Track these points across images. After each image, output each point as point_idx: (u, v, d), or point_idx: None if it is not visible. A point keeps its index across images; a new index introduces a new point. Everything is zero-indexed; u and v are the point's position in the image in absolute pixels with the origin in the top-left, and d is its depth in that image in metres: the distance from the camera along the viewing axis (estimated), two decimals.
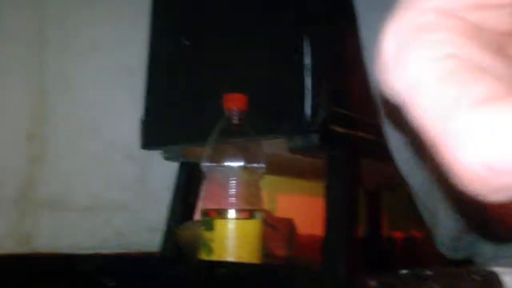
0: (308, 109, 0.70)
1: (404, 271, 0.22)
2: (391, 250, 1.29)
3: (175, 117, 0.90)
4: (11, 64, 0.84)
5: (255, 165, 0.65)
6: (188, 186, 0.96)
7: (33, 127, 0.85)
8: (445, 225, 0.45)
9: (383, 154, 0.48)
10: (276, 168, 0.94)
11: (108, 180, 0.94)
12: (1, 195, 0.81)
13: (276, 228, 0.89)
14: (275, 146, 0.76)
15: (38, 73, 0.87)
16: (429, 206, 0.46)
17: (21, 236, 0.82)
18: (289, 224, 0.94)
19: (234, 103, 0.66)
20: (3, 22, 0.82)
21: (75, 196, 0.89)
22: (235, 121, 0.66)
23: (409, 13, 0.17)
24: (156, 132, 0.94)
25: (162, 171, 0.99)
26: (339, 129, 0.73)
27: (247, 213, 0.62)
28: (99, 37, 0.94)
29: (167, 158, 0.96)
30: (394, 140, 0.44)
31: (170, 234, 0.92)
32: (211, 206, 0.64)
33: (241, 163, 0.64)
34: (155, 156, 0.97)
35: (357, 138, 0.76)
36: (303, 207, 1.26)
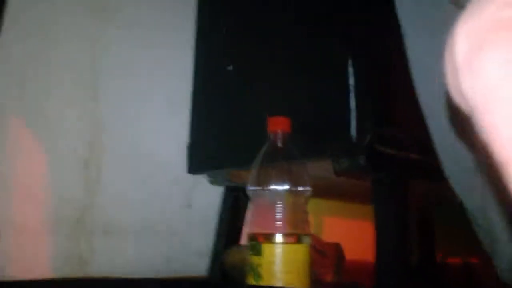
0: (353, 130, 0.69)
1: None
2: (446, 277, 1.22)
3: (220, 141, 0.91)
4: (67, 94, 0.88)
5: (300, 188, 0.65)
6: (234, 210, 0.96)
7: (89, 154, 0.89)
8: (505, 251, 0.43)
9: (434, 174, 0.46)
10: (322, 191, 0.93)
11: (157, 205, 0.96)
12: (57, 220, 0.84)
13: (323, 253, 0.87)
14: (321, 168, 0.75)
15: (93, 103, 0.91)
16: (487, 230, 0.44)
17: (76, 260, 0.85)
18: (337, 249, 0.92)
19: (278, 126, 0.66)
20: (58, 52, 0.87)
21: (127, 221, 0.91)
22: (280, 144, 0.66)
23: (486, 7, 0.14)
24: (202, 156, 0.95)
25: (209, 195, 1.00)
26: (385, 150, 0.71)
27: (294, 237, 0.62)
28: (149, 66, 0.98)
29: (212, 182, 0.97)
30: (452, 157, 0.41)
31: (217, 258, 0.93)
32: (257, 230, 0.63)
33: (287, 186, 0.64)
34: (201, 180, 0.98)
35: (405, 159, 0.74)
36: (350, 230, 1.22)
